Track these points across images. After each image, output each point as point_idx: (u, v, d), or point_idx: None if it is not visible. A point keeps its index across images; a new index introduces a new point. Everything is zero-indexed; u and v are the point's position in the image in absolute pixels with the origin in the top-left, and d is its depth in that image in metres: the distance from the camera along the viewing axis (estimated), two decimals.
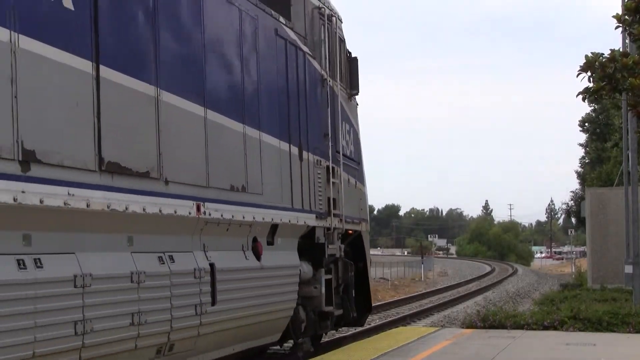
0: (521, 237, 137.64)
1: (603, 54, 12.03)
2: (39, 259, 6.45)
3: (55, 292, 6.56)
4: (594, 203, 28.33)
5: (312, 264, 12.29)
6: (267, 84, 10.85)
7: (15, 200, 6.13)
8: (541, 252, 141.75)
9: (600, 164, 48.68)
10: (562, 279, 46.30)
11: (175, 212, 8.33)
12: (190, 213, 8.64)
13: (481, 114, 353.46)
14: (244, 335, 10.12)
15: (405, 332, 15.26)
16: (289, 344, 12.98)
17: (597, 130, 52.67)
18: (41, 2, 6.56)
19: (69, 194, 6.73)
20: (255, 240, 10.34)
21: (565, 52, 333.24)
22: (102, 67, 7.25)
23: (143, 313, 7.68)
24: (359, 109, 15.67)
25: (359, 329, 17.29)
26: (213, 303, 9.00)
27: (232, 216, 9.56)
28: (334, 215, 12.91)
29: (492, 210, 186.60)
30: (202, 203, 8.88)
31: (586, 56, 11.96)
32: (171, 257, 8.31)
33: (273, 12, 11.22)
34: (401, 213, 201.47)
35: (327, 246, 12.69)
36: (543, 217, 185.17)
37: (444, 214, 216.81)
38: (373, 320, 20.95)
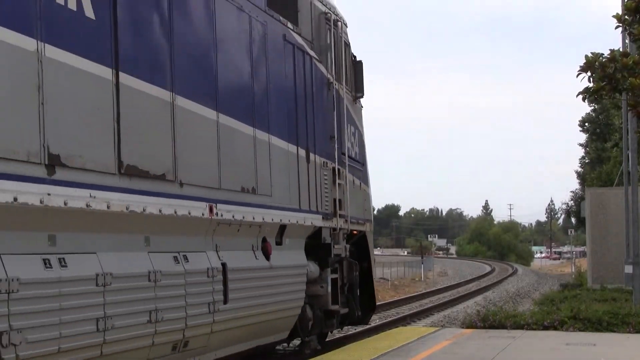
0: (521, 237, 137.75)
1: (603, 54, 12.08)
2: (63, 258, 6.72)
3: (79, 290, 6.83)
4: (594, 203, 28.30)
5: (318, 263, 12.57)
6: (276, 88, 11.14)
7: (41, 202, 6.41)
8: (541, 252, 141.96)
9: (600, 164, 48.80)
10: (562, 279, 46.38)
11: (189, 213, 8.61)
12: (203, 214, 8.92)
13: (481, 114, 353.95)
14: (254, 332, 10.40)
15: (405, 332, 15.33)
16: (296, 342, 13.27)
17: (597, 130, 52.80)
18: (64, 12, 6.83)
19: (90, 196, 7.00)
20: (264, 240, 10.62)
21: (565, 52, 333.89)
22: (121, 74, 7.53)
23: (160, 311, 7.96)
24: (363, 111, 15.96)
25: (359, 328, 17.52)
26: (225, 301, 9.28)
27: (243, 217, 9.84)
28: (340, 216, 13.19)
29: (492, 210, 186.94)
30: (214, 204, 9.16)
31: (586, 56, 12.01)
32: (185, 257, 8.59)
33: (281, 17, 11.50)
34: (401, 213, 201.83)
35: (333, 246, 12.97)
36: (543, 217, 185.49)
37: (444, 214, 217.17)
38: (373, 320, 21.10)
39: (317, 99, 12.61)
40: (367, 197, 15.62)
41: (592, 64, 11.98)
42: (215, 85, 9.41)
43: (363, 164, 15.54)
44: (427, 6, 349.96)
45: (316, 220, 12.24)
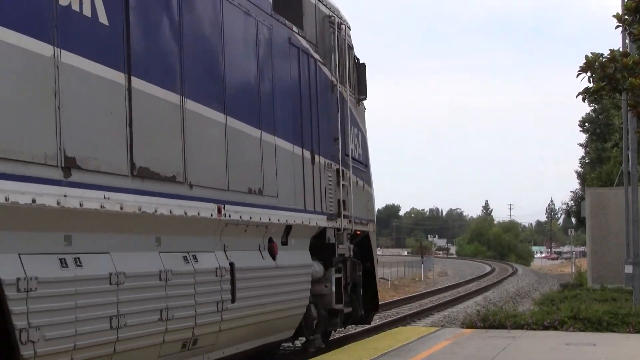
0: (521, 237, 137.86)
1: (603, 54, 12.11)
2: (79, 258, 6.92)
3: (93, 289, 7.02)
4: (594, 203, 28.30)
5: (322, 263, 12.77)
6: (282, 91, 11.33)
7: (58, 203, 6.61)
8: (541, 252, 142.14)
9: (600, 164, 48.86)
10: (562, 279, 46.44)
11: (198, 214, 8.81)
12: (212, 215, 9.12)
13: (481, 114, 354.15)
14: (261, 331, 10.60)
15: (405, 332, 15.38)
16: (300, 341, 13.47)
17: (597, 130, 52.87)
18: (80, 18, 7.03)
19: (104, 197, 7.20)
20: (271, 240, 10.82)
21: (565, 52, 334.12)
22: (133, 78, 7.73)
23: (170, 309, 8.15)
24: (365, 113, 16.16)
25: (359, 328, 17.66)
26: (233, 300, 9.48)
27: (250, 218, 10.04)
28: (344, 216, 13.39)
29: (492, 210, 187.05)
30: (222, 205, 9.36)
31: (586, 56, 12.05)
32: (195, 257, 8.79)
33: (287, 21, 11.70)
34: (401, 213, 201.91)
35: (337, 246, 13.17)
36: (543, 217, 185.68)
37: (444, 214, 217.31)
38: (373, 320, 21.14)
39: (321, 101, 12.81)
40: (370, 198, 15.82)
41: (592, 64, 12.01)
42: (223, 89, 9.61)
43: (366, 165, 15.74)
44: (427, 6, 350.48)
45: (321, 221, 12.44)
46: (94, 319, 7.01)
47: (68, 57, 6.82)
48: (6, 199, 6.06)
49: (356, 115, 14.98)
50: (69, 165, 6.78)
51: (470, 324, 15.03)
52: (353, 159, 14.30)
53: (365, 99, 15.48)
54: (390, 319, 22.31)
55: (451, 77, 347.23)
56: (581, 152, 57.24)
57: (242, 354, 10.43)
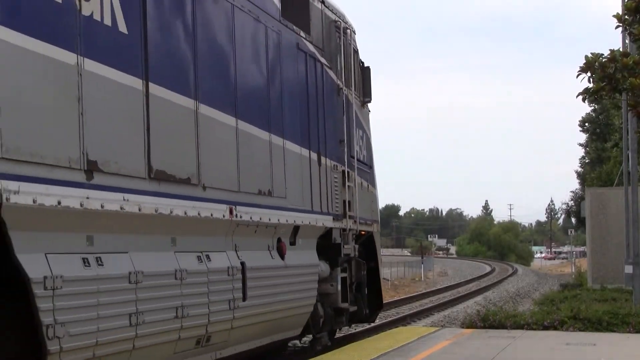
0: (521, 237, 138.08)
1: (603, 55, 12.18)
2: (100, 257, 7.20)
3: (114, 287, 7.31)
4: (594, 203, 28.32)
5: (329, 263, 13.05)
6: (290, 95, 11.63)
7: (81, 205, 6.89)
8: (541, 252, 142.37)
9: (600, 164, 48.92)
10: (562, 279, 46.47)
11: (211, 215, 9.10)
12: (224, 216, 9.41)
13: (481, 113, 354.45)
14: (270, 328, 10.89)
15: (405, 332, 15.49)
16: (307, 338, 13.75)
17: (597, 130, 52.95)
18: (101, 27, 7.32)
19: (124, 199, 7.49)
20: (279, 240, 11.11)
21: (566, 52, 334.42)
22: (150, 84, 8.02)
23: (185, 307, 8.43)
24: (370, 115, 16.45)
25: (360, 328, 17.90)
26: (244, 299, 9.76)
27: (260, 218, 10.33)
28: (349, 217, 13.68)
29: (492, 210, 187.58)
30: (234, 206, 9.65)
31: (586, 57, 12.12)
32: (208, 257, 9.08)
33: (294, 27, 11.99)
34: (401, 213, 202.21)
35: (343, 246, 13.46)
36: (543, 217, 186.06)
37: (444, 214, 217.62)
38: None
39: (327, 104, 13.11)
40: (374, 199, 16.12)
41: (592, 65, 12.07)
42: (234, 93, 9.90)
43: (370, 166, 16.04)
44: (427, 6, 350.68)
45: (327, 221, 12.73)
46: (114, 316, 7.28)
47: (90, 65, 7.10)
48: (34, 201, 6.35)
49: (361, 117, 15.28)
50: (91, 168, 7.07)
51: (470, 324, 15.09)
52: (358, 160, 14.59)
53: (370, 101, 15.79)
54: (390, 319, 22.35)
55: (451, 77, 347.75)
56: (581, 152, 57.49)
57: (251, 351, 10.72)
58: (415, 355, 11.23)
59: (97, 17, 7.24)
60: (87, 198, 6.98)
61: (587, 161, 55.17)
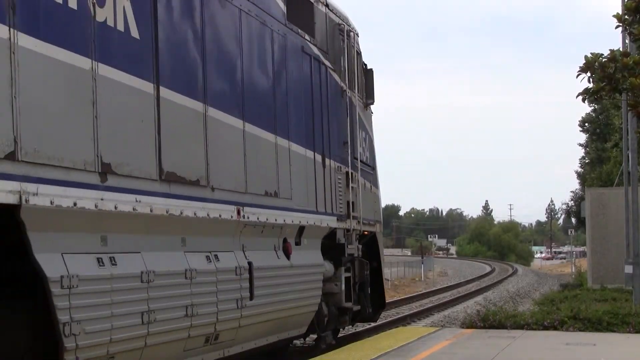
0: (521, 237, 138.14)
1: (602, 55, 12.12)
2: (113, 257, 7.40)
3: (127, 286, 7.50)
4: (594, 203, 28.21)
5: (333, 262, 13.25)
6: (295, 97, 11.83)
7: (96, 206, 7.10)
8: (541, 252, 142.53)
9: (600, 164, 48.93)
10: (562, 279, 46.48)
11: (220, 216, 9.30)
12: (232, 217, 9.62)
13: (481, 113, 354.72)
14: (277, 327, 11.09)
15: (405, 332, 15.51)
16: (311, 337, 13.94)
17: (597, 130, 52.97)
18: (114, 33, 7.51)
19: (136, 200, 7.69)
20: (285, 240, 11.31)
21: (566, 52, 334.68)
22: (161, 88, 8.22)
23: (195, 306, 8.63)
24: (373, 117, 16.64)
25: (360, 328, 18.07)
26: (251, 298, 9.96)
27: (267, 219, 10.53)
28: (353, 217, 13.88)
29: (492, 210, 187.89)
30: (241, 207, 9.85)
31: (586, 57, 12.07)
32: (216, 257, 9.28)
33: (299, 30, 12.19)
34: (401, 213, 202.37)
35: (347, 246, 13.66)
36: (543, 217, 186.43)
37: (444, 214, 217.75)
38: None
39: (331, 106, 13.31)
40: (377, 199, 16.32)
41: (591, 65, 12.00)
42: (241, 96, 10.10)
43: (373, 167, 16.24)
44: (427, 6, 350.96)
45: (331, 222, 12.93)
46: (127, 314, 7.48)
47: (104, 70, 7.30)
48: (51, 203, 6.54)
49: (364, 119, 15.47)
50: (105, 170, 7.26)
51: (470, 324, 15.07)
52: (361, 161, 14.79)
53: (372, 103, 16.00)
54: (390, 319, 22.30)
55: (451, 78, 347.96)
56: (581, 152, 57.52)
57: (257, 349, 10.91)
58: (415, 355, 11.28)
59: (110, 23, 7.44)
60: (102, 199, 7.17)
61: (587, 161, 55.22)
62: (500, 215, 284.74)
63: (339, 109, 13.78)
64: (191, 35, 9.03)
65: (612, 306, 16.16)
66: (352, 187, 13.95)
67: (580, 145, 56.54)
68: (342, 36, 14.08)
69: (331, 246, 13.15)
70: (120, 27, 7.60)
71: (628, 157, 22.85)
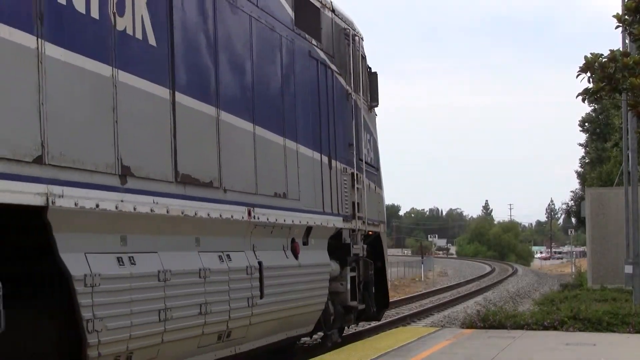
0: (521, 237, 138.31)
1: (602, 55, 12.25)
2: (132, 257, 7.69)
3: (145, 285, 7.79)
4: (594, 203, 28.19)
5: (339, 262, 13.54)
6: (302, 100, 12.14)
7: (116, 207, 7.40)
8: (541, 252, 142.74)
9: (600, 164, 48.89)
10: (562, 279, 46.47)
11: (232, 216, 9.60)
12: (243, 217, 9.92)
13: (481, 113, 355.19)
14: (285, 325, 11.39)
15: (405, 332, 15.61)
16: (318, 335, 14.22)
17: (597, 130, 52.95)
18: (133, 41, 7.81)
19: (154, 202, 7.99)
20: (293, 240, 11.61)
21: (566, 52, 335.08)
22: (177, 94, 8.52)
23: (208, 304, 8.92)
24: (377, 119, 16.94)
25: (359, 328, 18.32)
26: (261, 296, 10.25)
27: (276, 219, 10.83)
28: (358, 217, 14.18)
29: (492, 210, 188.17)
30: (252, 208, 10.15)
31: (585, 57, 12.20)
32: (228, 256, 9.57)
33: (307, 35, 12.50)
34: (401, 213, 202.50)
35: (352, 246, 13.95)
36: (543, 217, 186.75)
37: (444, 214, 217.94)
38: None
39: (337, 109, 13.61)
40: (381, 200, 16.62)
41: (591, 65, 12.13)
42: (252, 100, 10.40)
43: (377, 168, 16.54)
44: (428, 6, 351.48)
45: (337, 222, 13.22)
46: (145, 312, 7.77)
47: (124, 76, 7.60)
48: (75, 204, 6.84)
49: (368, 121, 15.78)
50: (125, 173, 7.56)
51: (470, 324, 15.07)
52: (366, 163, 15.08)
53: (376, 105, 16.30)
54: (390, 319, 22.26)
55: (451, 78, 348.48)
56: (581, 152, 57.57)
57: (266, 346, 11.20)
58: (415, 355, 11.35)
59: (129, 31, 7.73)
60: (122, 201, 7.47)
61: (587, 161, 55.25)
62: (500, 215, 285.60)
63: (345, 112, 14.07)
64: (204, 42, 9.33)
65: (612, 306, 16.19)
66: (357, 188, 14.25)
67: (580, 145, 56.67)
68: (347, 40, 14.38)
69: (337, 246, 13.44)
70: (139, 35, 7.89)
71: (628, 157, 22.91)
